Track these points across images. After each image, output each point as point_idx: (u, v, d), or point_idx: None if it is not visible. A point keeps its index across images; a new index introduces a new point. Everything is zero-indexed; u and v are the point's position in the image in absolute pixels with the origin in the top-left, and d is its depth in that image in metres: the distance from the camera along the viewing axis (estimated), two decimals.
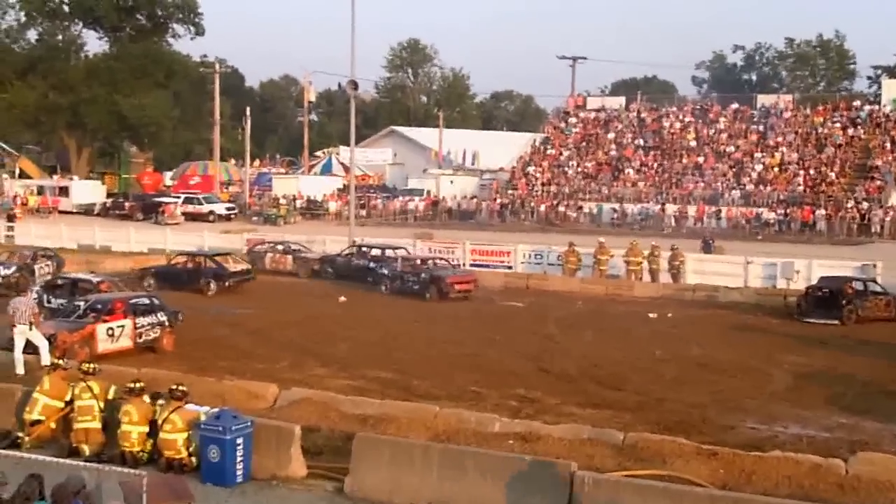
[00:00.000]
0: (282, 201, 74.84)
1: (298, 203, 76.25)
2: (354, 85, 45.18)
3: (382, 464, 13.68)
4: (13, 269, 34.93)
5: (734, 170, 69.45)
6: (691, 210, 64.44)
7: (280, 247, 43.38)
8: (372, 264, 38.67)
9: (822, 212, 60.03)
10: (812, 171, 66.28)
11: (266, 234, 50.22)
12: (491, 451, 14.36)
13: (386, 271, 37.12)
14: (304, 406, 17.51)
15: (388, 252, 39.48)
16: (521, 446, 15.04)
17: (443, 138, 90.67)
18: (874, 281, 33.47)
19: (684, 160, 72.17)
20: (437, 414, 16.87)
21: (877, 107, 72.10)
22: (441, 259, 39.44)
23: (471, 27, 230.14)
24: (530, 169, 77.48)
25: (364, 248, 40.95)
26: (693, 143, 73.93)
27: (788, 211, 61.53)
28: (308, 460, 14.68)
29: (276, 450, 14.54)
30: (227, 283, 35.51)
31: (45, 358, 20.34)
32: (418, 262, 37.96)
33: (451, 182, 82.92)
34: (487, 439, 15.48)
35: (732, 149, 71.98)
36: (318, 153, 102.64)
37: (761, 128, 73.55)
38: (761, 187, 66.25)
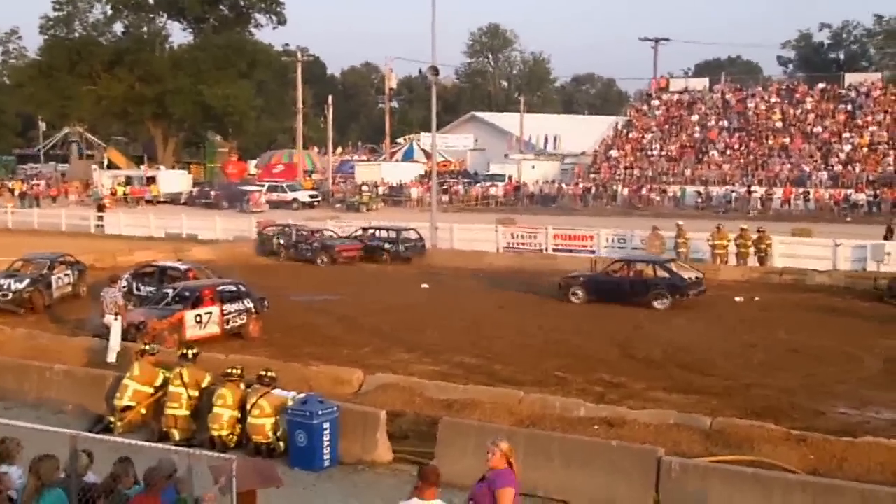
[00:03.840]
0: (364, 188, 75.41)
1: (381, 190, 76.77)
2: (435, 71, 45.09)
3: (468, 449, 13.64)
4: (26, 282, 29.05)
5: (822, 151, 68.27)
6: (777, 192, 63.47)
7: (287, 230, 43.54)
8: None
9: None
10: None
11: (350, 221, 50.52)
12: (576, 436, 14.30)
13: (283, 241, 41.78)
14: (390, 391, 17.61)
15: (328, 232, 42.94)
16: (606, 432, 14.94)
17: (524, 123, 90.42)
18: None
19: (770, 141, 71.12)
20: (522, 399, 16.84)
21: None
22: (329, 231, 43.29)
23: (551, 10, 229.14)
24: (613, 152, 76.95)
25: (370, 231, 42.13)
26: (779, 124, 72.82)
27: (878, 192, 60.35)
28: (394, 445, 14.78)
29: (362, 435, 14.65)
30: (686, 297, 29.43)
31: (112, 354, 20.56)
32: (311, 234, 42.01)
33: (533, 167, 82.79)
34: (572, 424, 15.40)
35: (820, 129, 70.74)
36: (400, 140, 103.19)
37: (849, 107, 72.17)
38: (850, 168, 65.01)
